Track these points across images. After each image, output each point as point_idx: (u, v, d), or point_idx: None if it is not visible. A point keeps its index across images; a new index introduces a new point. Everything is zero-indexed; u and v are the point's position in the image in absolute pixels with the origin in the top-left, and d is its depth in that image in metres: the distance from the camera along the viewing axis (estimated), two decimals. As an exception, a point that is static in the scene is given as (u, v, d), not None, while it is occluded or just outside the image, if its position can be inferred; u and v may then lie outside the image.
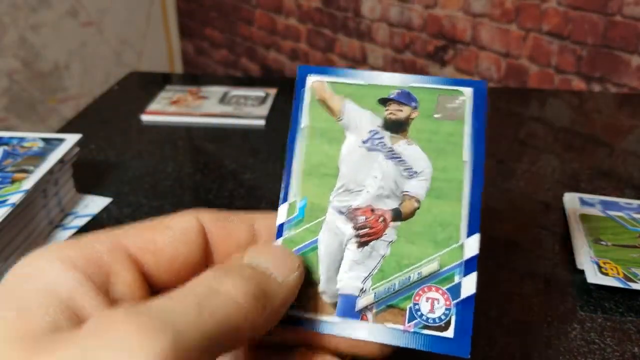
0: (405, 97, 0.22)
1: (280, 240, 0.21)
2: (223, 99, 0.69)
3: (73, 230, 0.42)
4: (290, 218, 0.21)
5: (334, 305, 0.20)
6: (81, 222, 0.44)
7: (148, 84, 0.76)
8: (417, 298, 0.20)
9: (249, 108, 0.66)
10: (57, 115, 1.95)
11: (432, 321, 0.19)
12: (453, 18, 1.24)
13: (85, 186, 0.48)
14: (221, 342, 0.15)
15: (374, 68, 1.49)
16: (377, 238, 0.20)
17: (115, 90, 0.74)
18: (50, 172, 0.41)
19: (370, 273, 0.20)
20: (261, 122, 0.63)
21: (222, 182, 0.50)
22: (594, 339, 0.31)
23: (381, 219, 0.21)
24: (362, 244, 0.21)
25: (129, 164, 0.53)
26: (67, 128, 0.62)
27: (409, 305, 0.20)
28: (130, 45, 2.06)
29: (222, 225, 0.21)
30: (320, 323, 0.20)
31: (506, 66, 1.17)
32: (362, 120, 0.22)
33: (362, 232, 0.21)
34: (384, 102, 0.22)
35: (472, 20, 1.20)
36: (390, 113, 0.22)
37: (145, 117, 0.64)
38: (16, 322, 0.15)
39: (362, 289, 0.20)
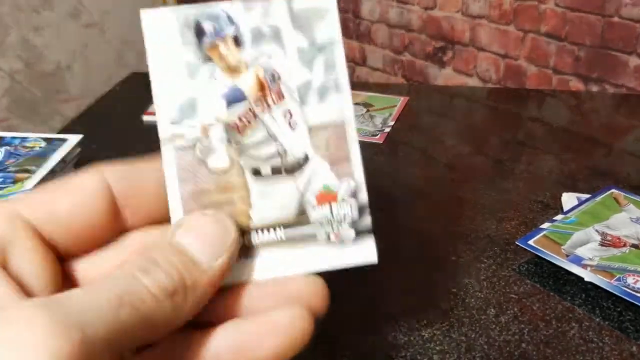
0: None
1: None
2: (223, 100, 0.69)
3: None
4: None
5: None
6: (83, 222, 0.44)
7: (149, 85, 0.76)
8: None
9: (249, 109, 0.66)
10: (59, 115, 1.95)
11: None
12: (452, 19, 1.25)
13: (87, 186, 0.48)
14: (136, 337, 0.15)
15: (373, 69, 1.50)
16: None
17: (117, 91, 0.75)
18: (52, 172, 0.42)
19: None
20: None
21: (223, 182, 0.50)
22: (592, 337, 0.32)
23: None
24: None
25: (130, 165, 0.53)
26: (69, 128, 0.63)
27: None
28: (132, 46, 2.06)
29: (129, 178, 0.19)
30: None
31: (504, 67, 1.18)
32: None
33: None
34: None
35: (471, 21, 1.21)
36: None
37: (146, 118, 0.64)
38: None
39: None
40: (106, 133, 0.61)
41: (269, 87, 0.21)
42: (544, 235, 0.39)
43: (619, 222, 0.41)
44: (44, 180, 0.40)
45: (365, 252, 0.20)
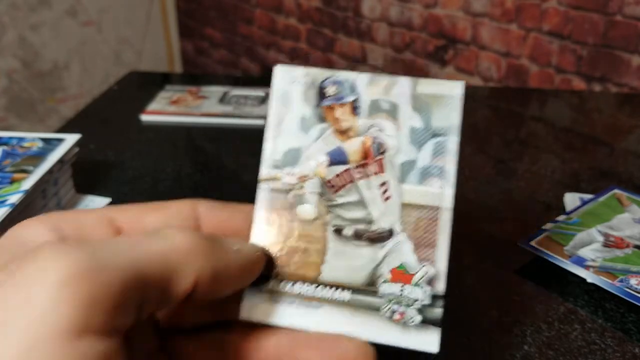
0: None
1: None
2: (223, 99, 0.69)
3: (72, 231, 0.42)
4: None
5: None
6: (81, 222, 0.43)
7: (147, 84, 0.76)
8: None
9: (248, 108, 0.66)
10: (57, 115, 1.95)
11: None
12: (453, 18, 1.24)
13: (85, 186, 0.48)
14: (156, 278, 0.15)
15: (374, 68, 1.49)
16: None
17: (115, 90, 0.74)
18: (50, 172, 0.41)
19: None
20: (261, 122, 0.63)
21: (222, 182, 0.50)
22: (594, 339, 0.31)
23: None
24: None
25: (129, 164, 0.53)
26: (67, 128, 0.62)
27: None
28: (130, 44, 2.06)
29: (219, 214, 0.21)
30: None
31: (506, 66, 1.17)
32: None
33: None
34: None
35: (473, 19, 1.20)
36: None
37: (144, 117, 0.64)
38: None
39: None
40: (104, 132, 0.60)
41: (372, 157, 0.21)
42: (546, 236, 0.39)
43: (622, 223, 0.40)
44: (42, 180, 0.40)
45: (427, 340, 0.20)
